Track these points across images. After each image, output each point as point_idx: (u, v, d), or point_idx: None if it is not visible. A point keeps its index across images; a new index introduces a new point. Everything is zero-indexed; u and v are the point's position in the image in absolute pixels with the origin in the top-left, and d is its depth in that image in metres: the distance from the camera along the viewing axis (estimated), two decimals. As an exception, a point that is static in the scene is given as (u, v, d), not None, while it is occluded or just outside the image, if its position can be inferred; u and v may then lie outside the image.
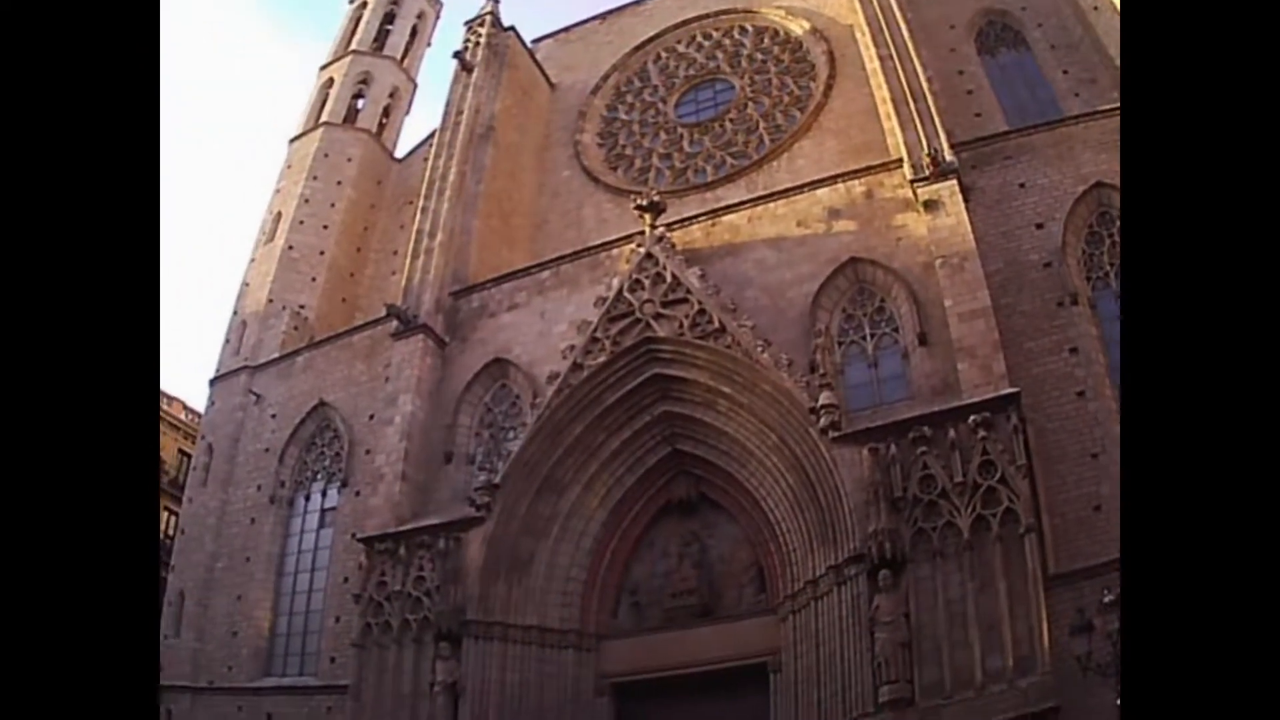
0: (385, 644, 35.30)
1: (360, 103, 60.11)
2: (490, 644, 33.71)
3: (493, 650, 33.67)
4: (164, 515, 61.82)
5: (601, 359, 34.73)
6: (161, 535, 60.67)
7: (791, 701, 29.49)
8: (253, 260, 53.96)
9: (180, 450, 64.24)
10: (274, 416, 46.83)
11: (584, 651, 34.42)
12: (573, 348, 35.48)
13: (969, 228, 32.15)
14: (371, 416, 42.28)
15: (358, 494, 41.33)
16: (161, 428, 64.32)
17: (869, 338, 33.65)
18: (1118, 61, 37.01)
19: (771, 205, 37.14)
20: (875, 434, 29.05)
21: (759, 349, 31.99)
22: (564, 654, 34.23)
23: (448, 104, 49.71)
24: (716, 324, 33.14)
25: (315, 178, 54.53)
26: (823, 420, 29.75)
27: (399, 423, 39.49)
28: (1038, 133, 35.81)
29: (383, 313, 43.59)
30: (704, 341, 33.32)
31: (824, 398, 30.00)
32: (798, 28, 48.94)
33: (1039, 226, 33.44)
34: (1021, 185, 34.63)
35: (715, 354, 33.05)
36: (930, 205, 32.82)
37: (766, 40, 50.14)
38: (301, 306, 50.74)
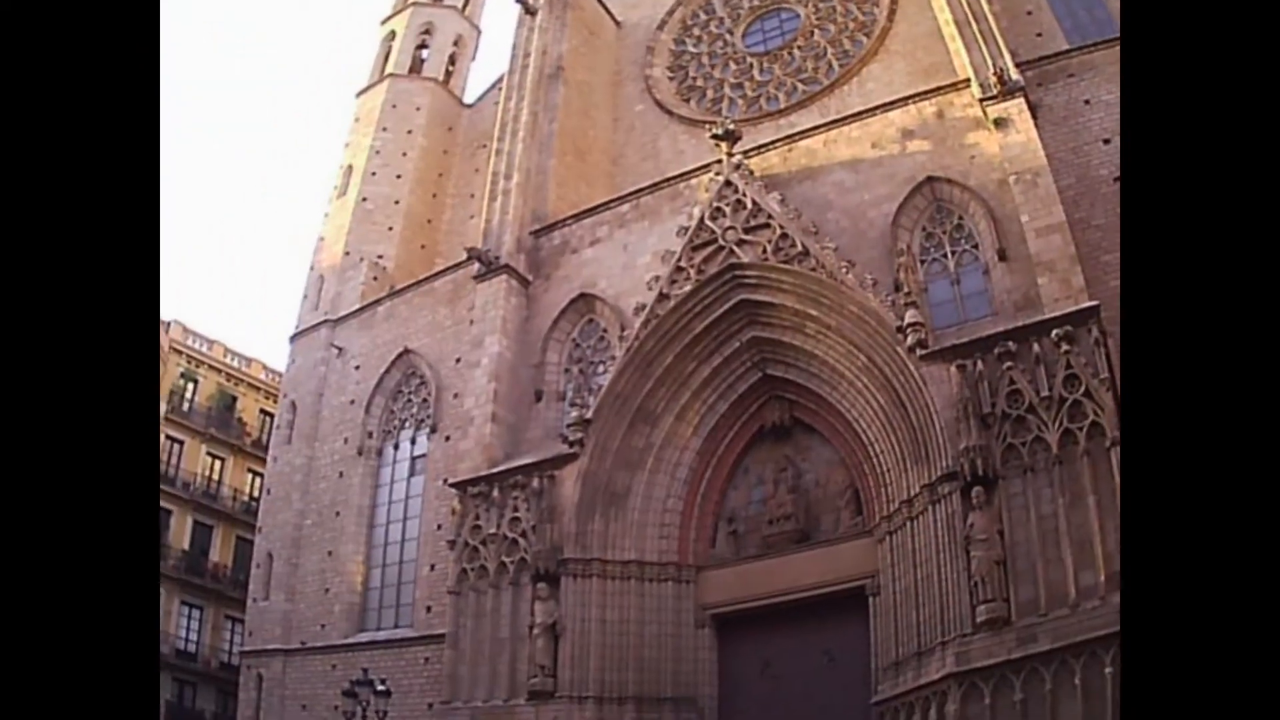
0: (482, 589, 35.51)
1: (424, 53, 60.19)
2: (588, 581, 33.88)
3: (591, 588, 33.85)
4: (248, 476, 62.61)
5: (687, 288, 34.63)
6: (246, 497, 61.45)
7: (890, 624, 29.51)
8: (326, 215, 54.33)
9: (262, 410, 65.17)
10: (357, 368, 47.09)
11: (683, 584, 34.51)
12: (657, 278, 35.39)
13: (1039, 144, 31.96)
14: (458, 360, 42.46)
15: (447, 439, 41.46)
16: (241, 388, 65.18)
17: (950, 255, 33.44)
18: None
19: (845, 128, 36.85)
20: (961, 351, 28.90)
21: (843, 270, 31.78)
22: (663, 587, 34.31)
23: (514, 47, 49.50)
24: (799, 247, 32.90)
25: (385, 129, 54.67)
26: (910, 339, 29.59)
27: (486, 364, 39.60)
28: (1099, 50, 35.64)
29: (463, 257, 43.62)
30: (788, 265, 33.11)
31: (910, 316, 29.84)
32: (857, -47, 48.46)
33: (1106, 142, 33.43)
34: (1086, 102, 34.66)
35: (800, 277, 32.84)
36: (1000, 123, 32.61)
37: (828, -33, 49.68)
38: (379, 257, 50.94)
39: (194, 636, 59.87)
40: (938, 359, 29.10)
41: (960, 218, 33.55)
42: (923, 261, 33.58)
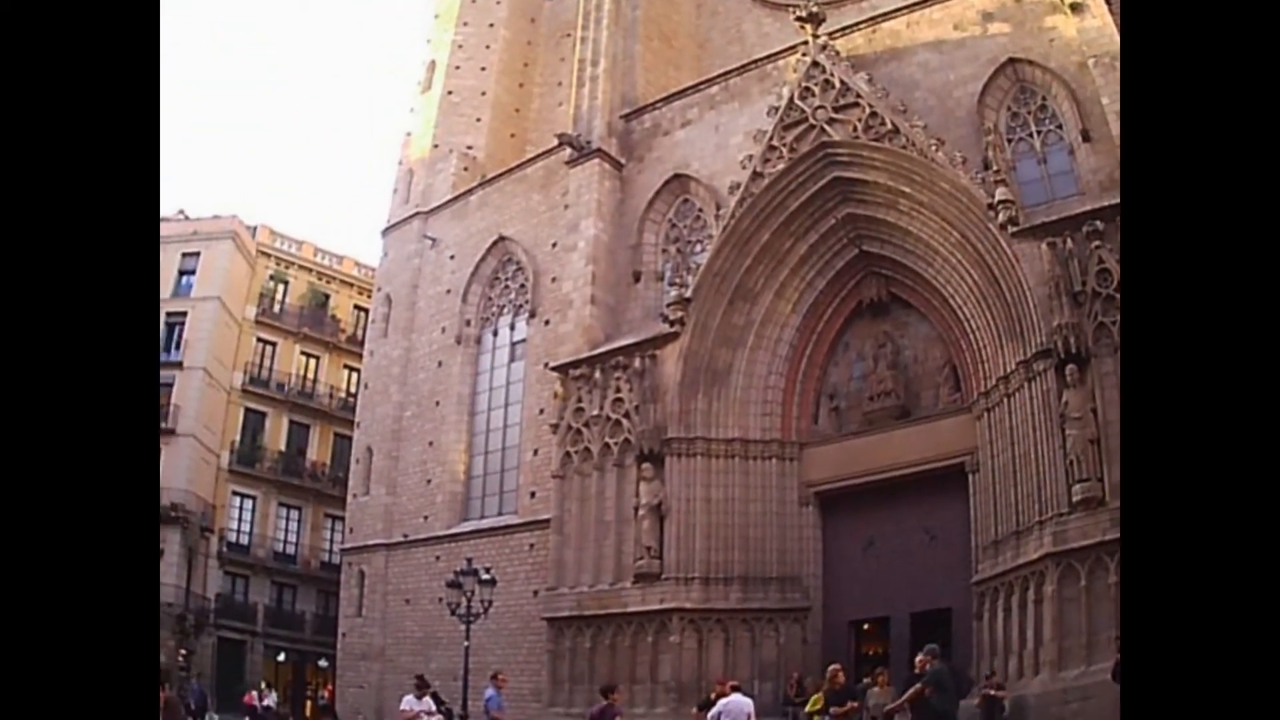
0: (586, 471, 36.30)
1: (501, -54, 59.92)
2: (692, 460, 34.53)
3: (695, 467, 34.48)
4: (344, 373, 63.49)
5: (780, 166, 34.74)
6: (343, 393, 62.43)
7: (989, 502, 29.88)
8: (412, 110, 54.68)
9: (356, 306, 65.92)
10: (452, 258, 47.72)
11: (786, 461, 35.06)
12: (750, 158, 35.49)
13: (1115, 28, 31.44)
14: (554, 245, 42.97)
15: (547, 323, 42.06)
16: (334, 286, 65.93)
17: (1035, 135, 33.27)
18: None
19: (927, 10, 36.32)
20: (1051, 228, 28.87)
21: (933, 148, 31.73)
22: (767, 465, 34.88)
23: (591, -63, 49.38)
24: (889, 125, 32.87)
25: (465, 24, 54.59)
26: (1001, 216, 29.56)
27: (583, 247, 40.19)
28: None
29: (554, 143, 44.02)
30: (879, 143, 33.14)
31: (1000, 193, 29.72)
32: None
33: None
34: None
35: (891, 154, 32.90)
36: (1076, 8, 32.08)
37: None
38: (469, 147, 51.26)
39: (293, 538, 61.22)
40: (1029, 236, 29.16)
41: (1044, 99, 33.35)
42: (1009, 140, 33.41)
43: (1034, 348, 28.35)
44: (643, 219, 40.86)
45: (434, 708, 23.37)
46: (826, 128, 34.15)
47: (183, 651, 53.20)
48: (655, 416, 34.78)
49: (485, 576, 32.62)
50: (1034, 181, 32.50)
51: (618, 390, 36.18)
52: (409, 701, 23.29)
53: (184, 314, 59.07)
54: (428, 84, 53.89)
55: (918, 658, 20.97)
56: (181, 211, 65.33)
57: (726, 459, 34.77)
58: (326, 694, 49.59)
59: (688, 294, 35.28)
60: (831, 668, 23.87)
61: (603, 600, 34.88)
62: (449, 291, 47.06)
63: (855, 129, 33.61)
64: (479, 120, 52.25)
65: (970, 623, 30.10)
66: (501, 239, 45.98)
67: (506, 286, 45.74)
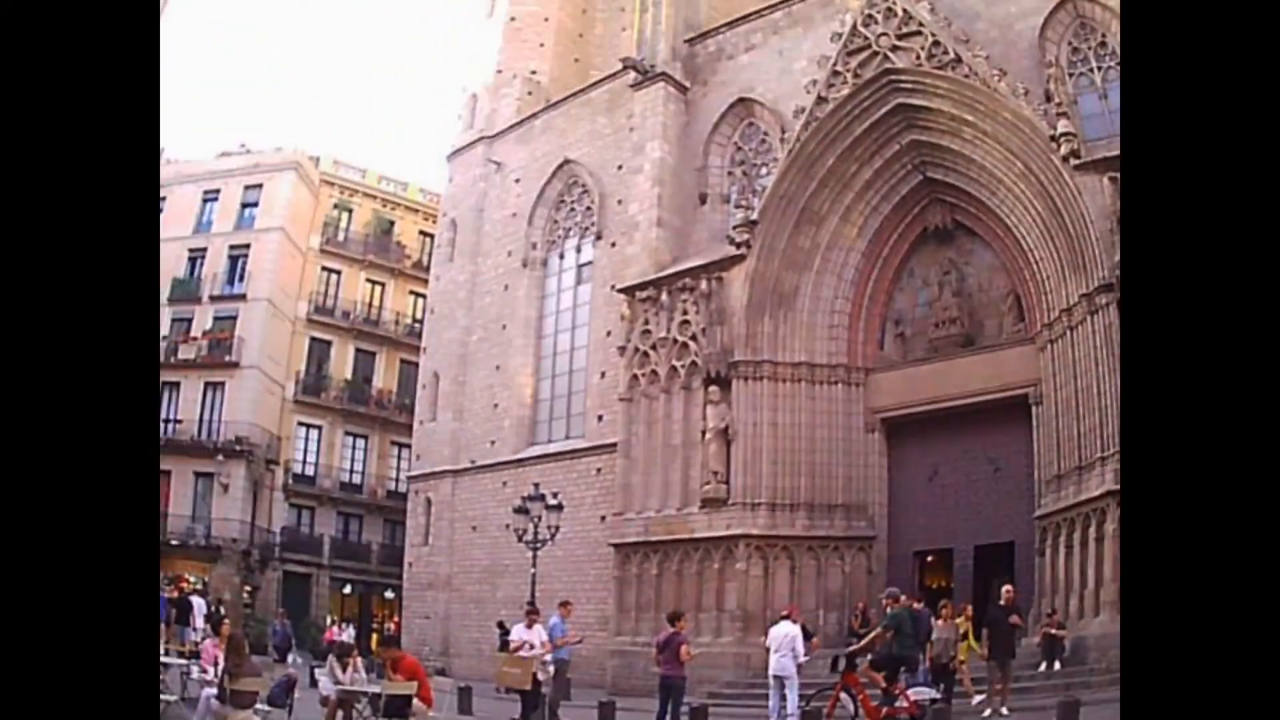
0: (653, 394, 36.75)
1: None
2: (759, 384, 34.92)
3: (762, 390, 34.86)
4: (409, 299, 63.80)
5: (845, 91, 34.71)
6: (409, 319, 62.80)
7: (1052, 435, 30.05)
8: (475, 36, 54.87)
9: (421, 232, 65.93)
10: (517, 181, 48.05)
11: (852, 386, 35.39)
12: (815, 82, 35.49)
13: None
14: (619, 167, 43.22)
15: (613, 245, 42.45)
16: (398, 212, 66.07)
17: (1096, 70, 33.16)
18: None
19: None
20: (1113, 163, 28.26)
21: (995, 78, 31.63)
22: (833, 390, 35.23)
23: None
24: (951, 54, 32.74)
25: (528, -52, 54.67)
26: (1063, 148, 29.42)
27: (649, 170, 40.42)
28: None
29: (618, 67, 44.18)
30: (942, 71, 33.11)
31: (1062, 126, 29.62)
32: None
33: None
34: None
35: (955, 83, 32.81)
36: None
37: None
38: (533, 72, 51.47)
39: (359, 468, 61.58)
40: (1090, 170, 28.96)
41: (1104, 35, 33.12)
42: (1070, 75, 33.17)
43: (1096, 281, 28.32)
44: (708, 142, 41.04)
45: (545, 637, 23.49)
46: (890, 55, 34.09)
47: (247, 588, 54.27)
48: (721, 339, 35.11)
49: (552, 502, 32.93)
50: (1096, 116, 32.31)
51: (684, 313, 36.54)
52: (519, 632, 23.44)
53: (247, 246, 59.72)
54: (490, 10, 53.89)
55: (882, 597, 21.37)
56: (243, 145, 65.89)
57: (793, 383, 35.08)
58: (393, 626, 50.03)
59: (754, 216, 35.47)
60: (889, 590, 23.31)
61: (669, 526, 35.36)
62: (514, 215, 47.44)
63: (918, 56, 33.52)
64: (542, 45, 52.31)
65: (1032, 558, 30.31)
66: (567, 162, 46.22)
67: (572, 209, 46.06)
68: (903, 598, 21.93)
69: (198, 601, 36.70)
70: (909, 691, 20.47)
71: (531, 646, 22.70)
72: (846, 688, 21.51)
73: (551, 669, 24.06)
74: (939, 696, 21.70)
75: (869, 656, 21.41)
